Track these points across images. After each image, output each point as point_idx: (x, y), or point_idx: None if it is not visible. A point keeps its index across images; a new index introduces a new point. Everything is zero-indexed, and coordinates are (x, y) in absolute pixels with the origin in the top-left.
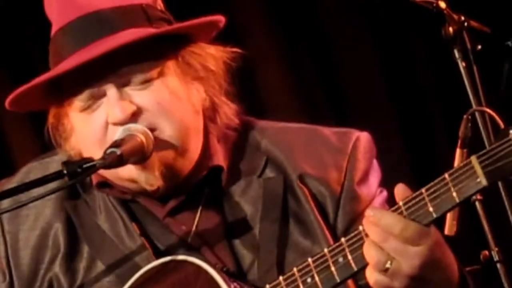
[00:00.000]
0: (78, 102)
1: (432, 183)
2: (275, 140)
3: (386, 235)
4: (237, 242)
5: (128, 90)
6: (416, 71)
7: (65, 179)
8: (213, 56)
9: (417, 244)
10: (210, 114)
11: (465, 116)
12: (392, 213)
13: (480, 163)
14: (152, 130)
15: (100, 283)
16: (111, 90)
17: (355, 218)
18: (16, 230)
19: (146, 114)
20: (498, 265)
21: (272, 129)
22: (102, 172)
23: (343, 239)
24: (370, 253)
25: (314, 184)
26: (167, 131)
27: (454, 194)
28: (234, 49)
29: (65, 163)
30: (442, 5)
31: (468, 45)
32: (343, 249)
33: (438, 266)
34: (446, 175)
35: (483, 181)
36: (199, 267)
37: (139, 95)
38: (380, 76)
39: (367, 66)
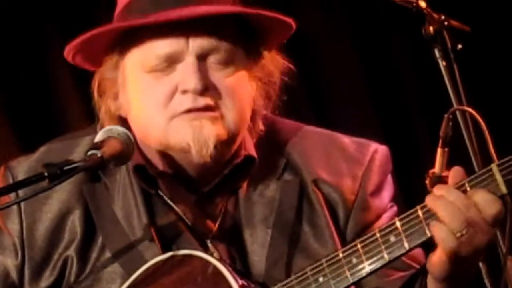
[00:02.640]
0: (153, 60)
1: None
2: (295, 143)
3: (469, 204)
4: (249, 239)
5: (207, 64)
6: (396, 71)
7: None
8: (275, 61)
9: (493, 226)
10: (253, 117)
11: (446, 116)
12: (490, 193)
13: (500, 171)
14: (215, 107)
15: (105, 272)
16: (191, 58)
17: (364, 229)
18: (34, 211)
19: (216, 93)
20: (480, 264)
21: (292, 132)
22: (150, 137)
23: (357, 241)
24: (452, 213)
25: (328, 190)
26: (229, 115)
27: None
28: (290, 65)
29: (46, 165)
30: (422, 4)
31: (449, 45)
32: (357, 250)
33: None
34: (466, 182)
35: (502, 189)
36: (208, 263)
37: (216, 73)
38: (360, 76)
39: (348, 66)
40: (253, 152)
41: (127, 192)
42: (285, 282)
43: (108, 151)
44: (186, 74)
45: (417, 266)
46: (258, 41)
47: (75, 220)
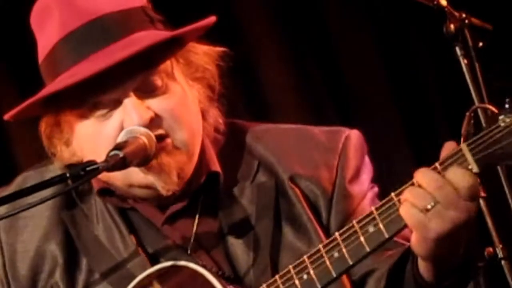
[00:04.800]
0: (90, 110)
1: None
2: (266, 143)
3: (443, 184)
4: (233, 247)
5: (143, 95)
6: (418, 69)
7: (61, 186)
8: (207, 54)
9: (469, 200)
10: (204, 115)
11: (467, 113)
12: (461, 168)
13: (470, 150)
14: (166, 135)
15: None
16: (128, 97)
17: (348, 217)
18: (14, 241)
19: (161, 120)
20: (503, 262)
21: (262, 132)
22: (111, 177)
23: (337, 234)
24: (413, 192)
25: (306, 184)
26: (180, 137)
27: None
28: (224, 49)
29: (68, 166)
30: (443, 2)
31: (470, 42)
32: (338, 244)
33: (470, 229)
34: (437, 164)
35: (474, 168)
36: (195, 272)
37: (155, 101)
38: (382, 74)
39: (369, 64)
40: (215, 166)
41: (104, 213)
42: (270, 282)
43: (130, 151)
44: (127, 112)
45: (404, 242)
46: (184, 44)
47: (55, 247)
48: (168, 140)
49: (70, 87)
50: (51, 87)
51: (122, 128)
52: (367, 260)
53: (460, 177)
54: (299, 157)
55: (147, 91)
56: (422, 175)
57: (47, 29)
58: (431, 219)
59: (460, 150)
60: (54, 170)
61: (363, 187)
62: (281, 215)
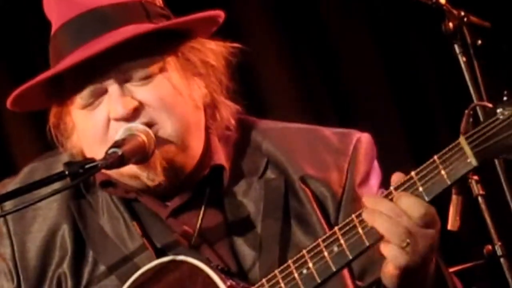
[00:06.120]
0: (80, 99)
1: (421, 167)
2: (276, 141)
3: (400, 214)
4: (239, 242)
5: (129, 86)
6: (417, 67)
7: (66, 181)
8: (213, 51)
9: (430, 227)
10: (210, 111)
11: (466, 111)
12: (414, 196)
13: (469, 143)
14: (153, 124)
15: (102, 285)
16: (112, 86)
17: None
18: (23, 232)
19: (148, 110)
20: (502, 259)
21: (272, 130)
22: (109, 172)
23: (336, 228)
24: (390, 227)
25: (316, 185)
26: (168, 126)
27: (445, 176)
28: (234, 44)
29: (67, 164)
30: (442, 0)
31: (468, 40)
32: (337, 238)
33: (433, 252)
34: (436, 158)
35: (473, 161)
36: (195, 267)
37: (141, 91)
38: (381, 73)
39: (368, 63)
40: (221, 160)
41: (109, 204)
42: (269, 277)
43: (128, 148)
44: (112, 103)
45: None
46: (187, 39)
47: (64, 236)
48: (154, 129)
49: (54, 76)
50: (36, 78)
51: (109, 119)
52: (377, 269)
53: (412, 207)
54: (310, 158)
55: (134, 81)
56: (377, 203)
57: (52, 20)
58: (409, 256)
59: (459, 143)
60: (63, 160)
61: (372, 192)
62: (290, 214)
